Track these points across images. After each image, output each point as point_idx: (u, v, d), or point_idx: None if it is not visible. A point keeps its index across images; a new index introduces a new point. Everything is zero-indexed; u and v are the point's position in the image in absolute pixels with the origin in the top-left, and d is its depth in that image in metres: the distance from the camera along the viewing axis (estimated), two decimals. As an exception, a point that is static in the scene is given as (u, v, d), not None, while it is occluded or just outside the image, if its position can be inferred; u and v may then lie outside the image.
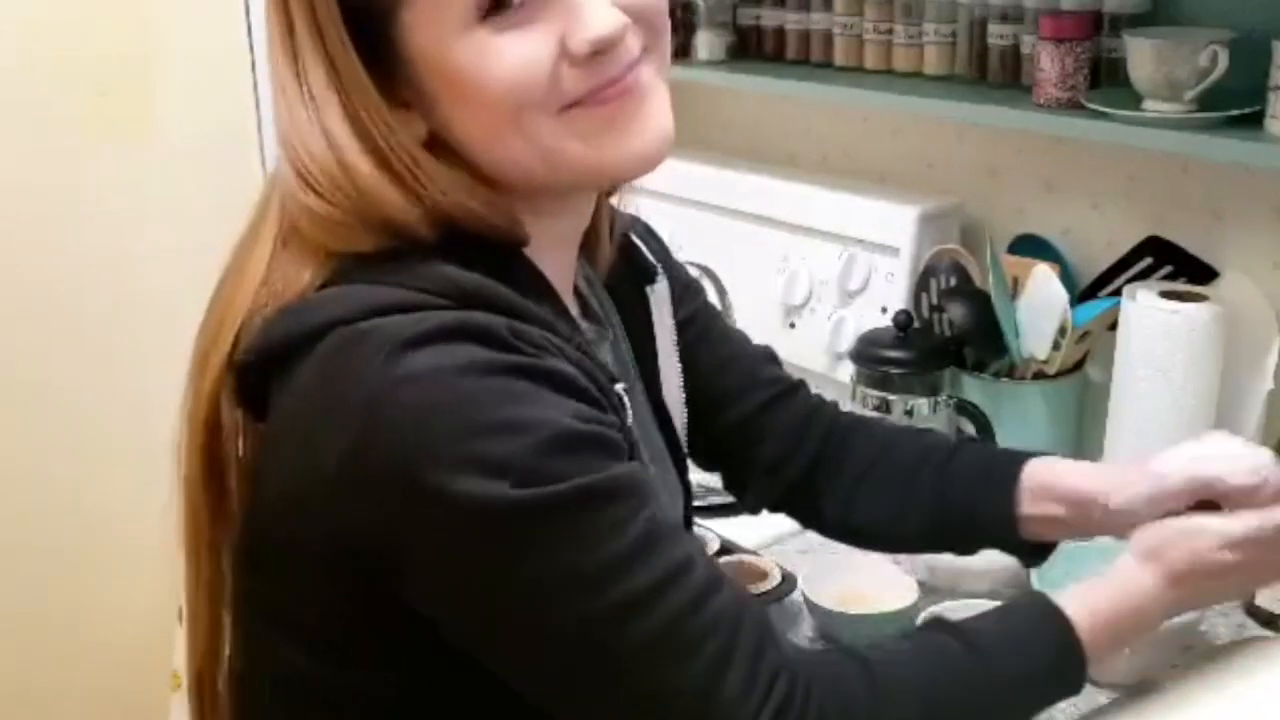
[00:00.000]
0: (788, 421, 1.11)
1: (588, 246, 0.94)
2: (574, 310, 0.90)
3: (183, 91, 1.82)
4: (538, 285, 0.83)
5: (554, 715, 0.77)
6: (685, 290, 1.10)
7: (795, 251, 1.73)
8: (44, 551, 1.83)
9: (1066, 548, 1.05)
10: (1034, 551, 1.04)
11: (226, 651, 0.87)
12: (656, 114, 0.82)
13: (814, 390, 1.15)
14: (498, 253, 0.81)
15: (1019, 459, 1.03)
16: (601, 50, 0.78)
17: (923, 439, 1.11)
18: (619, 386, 0.82)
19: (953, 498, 1.04)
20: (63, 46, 1.73)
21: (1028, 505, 1.01)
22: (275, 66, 0.79)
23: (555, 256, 0.87)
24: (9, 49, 1.69)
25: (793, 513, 1.14)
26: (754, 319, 1.60)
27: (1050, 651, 0.85)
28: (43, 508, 1.82)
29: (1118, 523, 0.95)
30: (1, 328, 1.75)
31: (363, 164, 0.77)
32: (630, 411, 0.83)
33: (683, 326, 1.07)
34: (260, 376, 0.78)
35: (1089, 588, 0.89)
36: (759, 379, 1.12)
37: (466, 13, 0.76)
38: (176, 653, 1.65)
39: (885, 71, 1.59)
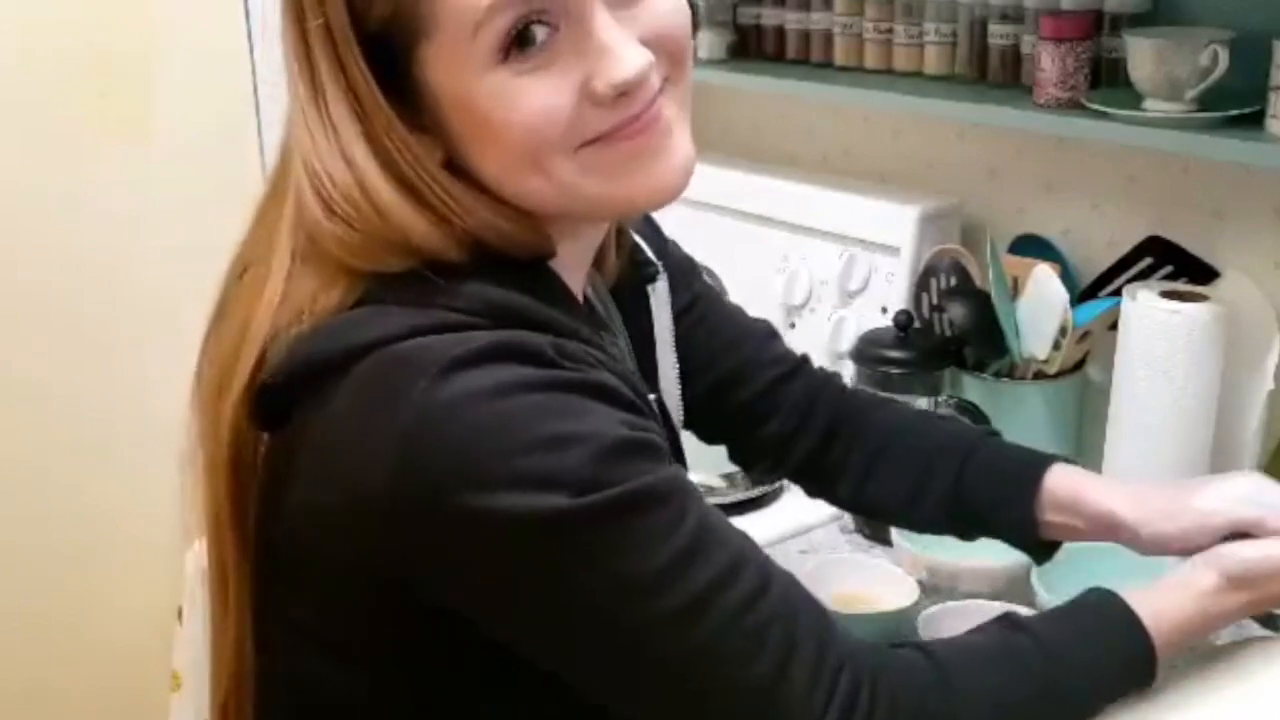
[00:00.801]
0: (795, 399, 1.11)
1: (598, 257, 0.94)
2: None
3: (183, 91, 1.82)
4: (567, 300, 0.83)
5: (621, 716, 0.77)
6: (683, 275, 1.10)
7: (795, 251, 1.73)
8: (44, 551, 1.83)
9: (1068, 547, 1.06)
10: (1042, 549, 1.05)
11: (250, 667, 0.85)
12: (679, 148, 0.80)
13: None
14: (526, 268, 0.80)
15: (1043, 462, 1.03)
16: (626, 92, 0.76)
17: (947, 425, 1.12)
18: (652, 397, 0.82)
19: (973, 492, 1.04)
20: (63, 46, 1.72)
21: (1049, 513, 1.01)
22: (294, 92, 0.78)
23: (573, 273, 0.87)
24: (9, 49, 1.69)
25: (804, 485, 1.15)
26: (754, 319, 1.60)
27: (1125, 662, 0.86)
28: (42, 507, 1.82)
29: (1140, 544, 0.98)
30: (1, 328, 1.75)
31: (386, 189, 0.75)
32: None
33: (684, 311, 1.07)
34: (285, 395, 0.77)
35: (1161, 595, 0.89)
36: (763, 358, 1.12)
37: (487, 54, 0.74)
38: (176, 653, 1.65)
39: (885, 71, 1.59)
